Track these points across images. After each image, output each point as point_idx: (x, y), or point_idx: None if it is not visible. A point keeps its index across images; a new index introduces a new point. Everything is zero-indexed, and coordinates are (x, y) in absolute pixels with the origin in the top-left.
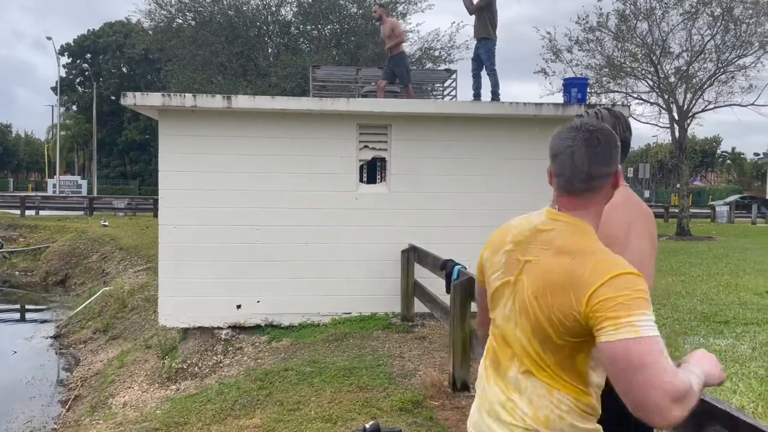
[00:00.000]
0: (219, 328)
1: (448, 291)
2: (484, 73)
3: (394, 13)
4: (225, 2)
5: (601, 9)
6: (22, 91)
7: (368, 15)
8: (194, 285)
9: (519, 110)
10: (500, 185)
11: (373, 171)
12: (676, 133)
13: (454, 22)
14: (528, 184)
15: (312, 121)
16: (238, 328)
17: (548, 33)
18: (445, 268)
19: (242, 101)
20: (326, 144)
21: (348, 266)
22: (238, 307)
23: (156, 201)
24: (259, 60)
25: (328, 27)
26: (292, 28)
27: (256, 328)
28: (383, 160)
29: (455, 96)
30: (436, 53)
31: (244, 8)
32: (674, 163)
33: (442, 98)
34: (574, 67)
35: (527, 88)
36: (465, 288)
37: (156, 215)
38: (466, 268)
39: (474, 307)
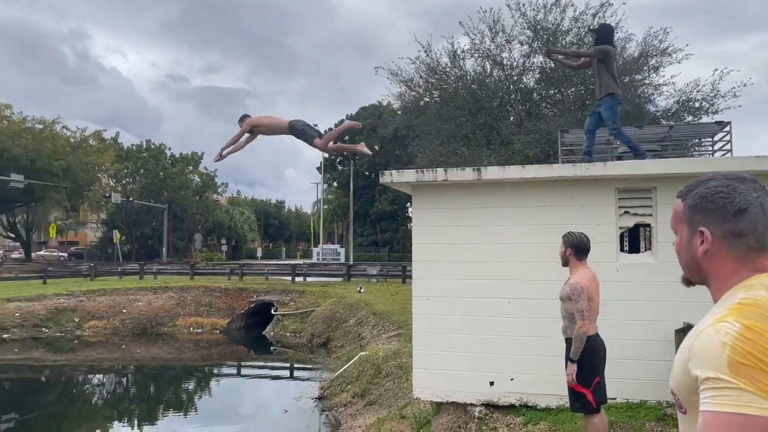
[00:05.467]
0: (472, 404)
1: None
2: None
3: (645, 68)
4: (468, 77)
5: None
6: (291, 172)
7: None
8: (447, 358)
9: None
10: None
11: (635, 239)
12: None
13: (716, 69)
14: None
15: (565, 188)
16: (491, 407)
17: None
18: None
19: (492, 172)
20: (581, 212)
21: (610, 346)
22: (491, 384)
23: (404, 268)
24: (502, 129)
25: (572, 90)
26: (535, 94)
27: (510, 408)
28: (648, 226)
29: (730, 152)
30: (697, 104)
31: (487, 80)
32: None
33: (712, 155)
34: None
35: None
36: None
37: (404, 281)
38: None
39: None
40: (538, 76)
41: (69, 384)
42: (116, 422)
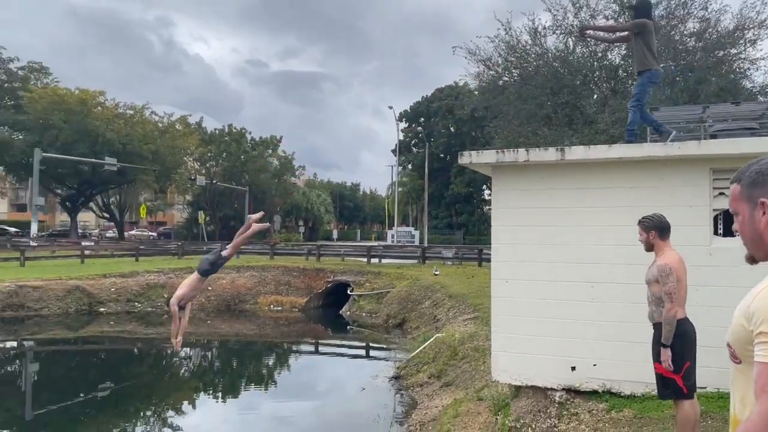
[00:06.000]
0: (552, 389)
1: None
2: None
3: (741, 41)
4: (550, 55)
5: None
6: (366, 155)
7: (709, 48)
8: (527, 341)
9: None
10: None
11: (730, 222)
12: None
13: None
14: None
15: (654, 168)
16: (572, 392)
17: None
18: None
19: (576, 152)
20: (672, 193)
21: (702, 333)
22: (573, 368)
23: (480, 251)
24: (585, 108)
25: (661, 65)
26: (620, 71)
27: (593, 394)
28: None
29: None
30: None
31: (570, 58)
32: None
33: None
34: None
35: None
36: None
37: (480, 264)
38: None
39: None
40: (625, 51)
41: (159, 356)
42: (202, 393)
